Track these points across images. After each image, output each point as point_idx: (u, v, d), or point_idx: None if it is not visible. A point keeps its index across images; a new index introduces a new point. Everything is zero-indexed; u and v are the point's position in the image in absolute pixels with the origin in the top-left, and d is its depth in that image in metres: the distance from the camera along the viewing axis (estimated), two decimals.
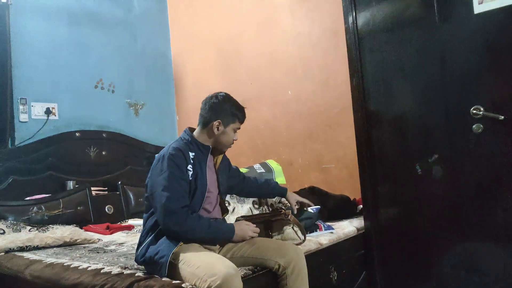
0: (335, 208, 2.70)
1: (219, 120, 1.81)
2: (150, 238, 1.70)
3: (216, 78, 4.06)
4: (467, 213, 2.09)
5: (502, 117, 1.95)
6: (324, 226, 2.34)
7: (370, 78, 2.42)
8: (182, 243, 1.65)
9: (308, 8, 3.41)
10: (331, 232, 2.31)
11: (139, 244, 1.75)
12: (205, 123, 1.83)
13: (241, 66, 3.87)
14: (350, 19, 2.47)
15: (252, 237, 1.78)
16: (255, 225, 1.82)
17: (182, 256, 1.59)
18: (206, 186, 1.77)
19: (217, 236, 1.73)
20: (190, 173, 1.73)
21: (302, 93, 3.44)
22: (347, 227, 2.45)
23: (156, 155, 1.80)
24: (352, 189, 2.96)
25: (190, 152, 1.77)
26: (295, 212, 2.16)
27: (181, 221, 1.62)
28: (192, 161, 1.75)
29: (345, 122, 3.10)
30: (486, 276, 2.04)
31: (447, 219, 2.15)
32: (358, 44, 2.45)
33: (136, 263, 1.81)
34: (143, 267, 1.77)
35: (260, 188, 2.21)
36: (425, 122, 2.23)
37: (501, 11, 1.97)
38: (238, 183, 2.13)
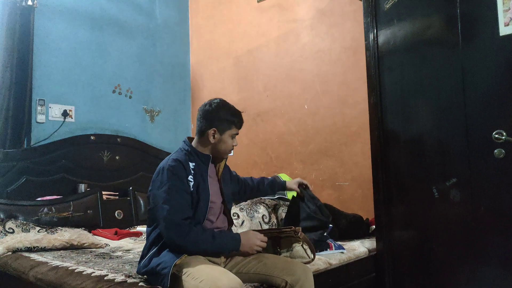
0: (347, 227, 2.63)
1: (214, 128, 1.77)
2: (153, 250, 1.67)
3: (232, 89, 4.06)
4: (485, 239, 2.00)
5: None
6: (334, 245, 2.27)
7: (388, 97, 2.38)
8: (185, 255, 1.61)
9: (329, 25, 3.40)
10: (342, 252, 2.25)
11: (142, 257, 1.72)
12: (201, 132, 1.79)
13: (258, 79, 3.86)
14: (371, 36, 2.44)
15: (260, 248, 1.74)
16: (263, 235, 1.78)
17: (186, 268, 1.55)
18: (208, 196, 1.73)
19: (222, 248, 1.68)
20: (192, 183, 1.69)
21: (319, 109, 3.41)
22: (359, 248, 2.38)
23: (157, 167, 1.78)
24: (365, 209, 2.89)
25: (190, 163, 1.74)
26: (301, 194, 2.20)
27: (184, 234, 1.58)
28: (192, 172, 1.72)
29: (361, 141, 3.05)
30: None
31: (464, 245, 2.07)
32: (377, 62, 2.42)
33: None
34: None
35: (258, 186, 2.16)
36: (444, 144, 2.17)
37: None
38: (239, 188, 2.09)
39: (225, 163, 1.95)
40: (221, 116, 1.78)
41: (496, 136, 1.95)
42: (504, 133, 1.93)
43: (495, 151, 1.95)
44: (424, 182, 2.20)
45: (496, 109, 2.00)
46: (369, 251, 2.40)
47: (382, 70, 2.41)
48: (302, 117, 3.53)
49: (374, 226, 2.53)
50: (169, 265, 1.55)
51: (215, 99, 1.83)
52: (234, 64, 4.08)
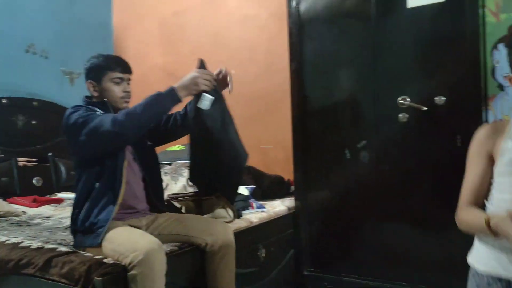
0: (269, 188, 2.76)
1: (89, 81, 1.75)
2: (88, 203, 1.64)
3: (158, 52, 3.95)
4: (388, 196, 2.22)
5: (425, 108, 2.08)
6: (256, 204, 2.39)
7: (309, 66, 2.47)
8: (116, 209, 1.60)
9: None
10: (262, 211, 2.37)
11: (74, 214, 1.68)
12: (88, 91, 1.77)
13: (184, 43, 3.78)
14: (294, 2, 2.49)
15: (207, 82, 1.66)
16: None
17: (105, 236, 1.56)
18: None
19: (159, 101, 1.57)
20: None
21: (246, 76, 3.44)
22: (279, 206, 2.52)
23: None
24: (288, 171, 3.02)
25: (95, 108, 1.71)
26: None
27: (118, 124, 1.53)
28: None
29: (285, 107, 3.13)
30: (403, 259, 2.18)
31: (370, 202, 2.28)
32: (299, 30, 2.48)
33: (61, 236, 1.76)
34: (67, 241, 1.71)
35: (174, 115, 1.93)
36: (357, 110, 2.33)
37: (431, 8, 2.08)
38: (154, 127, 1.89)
39: None
40: (92, 66, 1.75)
41: (401, 101, 2.13)
42: (408, 99, 2.12)
43: (399, 115, 2.13)
44: (338, 145, 2.36)
45: (402, 78, 2.18)
46: (289, 209, 2.55)
47: (304, 39, 2.48)
48: None
49: (293, 186, 2.68)
50: (104, 224, 1.55)
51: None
52: (159, 26, 3.95)
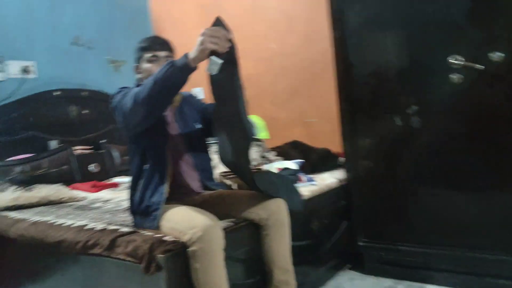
0: (317, 161, 2.74)
1: (134, 65, 1.79)
2: (141, 185, 1.70)
3: (196, 33, 3.91)
4: (444, 163, 2.13)
5: (481, 66, 1.95)
6: (305, 178, 2.38)
7: (351, 31, 2.38)
8: (167, 191, 1.64)
9: None
10: (313, 184, 2.36)
11: (132, 195, 1.75)
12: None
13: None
14: None
15: (218, 39, 1.42)
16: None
17: (162, 215, 1.60)
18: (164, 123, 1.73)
19: (168, 70, 1.43)
20: None
21: (286, 48, 3.39)
22: (329, 179, 2.50)
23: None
24: (334, 142, 2.98)
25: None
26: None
27: (133, 101, 1.51)
28: None
29: (328, 77, 3.07)
30: (457, 224, 2.11)
31: (425, 170, 2.20)
32: None
33: (121, 218, 1.84)
34: (128, 221, 1.79)
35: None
36: (405, 74, 2.22)
37: None
38: (203, 117, 1.91)
39: (193, 98, 1.93)
40: (135, 51, 1.78)
41: (453, 61, 2.01)
42: (461, 58, 1.99)
43: (451, 76, 2.02)
44: (387, 112, 2.28)
45: (454, 34, 2.04)
46: (340, 181, 2.52)
47: (345, 4, 2.39)
48: (270, 57, 3.51)
49: (343, 158, 2.64)
50: (159, 207, 1.61)
51: None
52: (196, 7, 3.96)
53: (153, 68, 1.69)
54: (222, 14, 3.94)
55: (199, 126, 1.89)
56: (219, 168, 2.46)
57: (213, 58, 1.42)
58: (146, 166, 1.70)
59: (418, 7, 2.12)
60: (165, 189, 1.65)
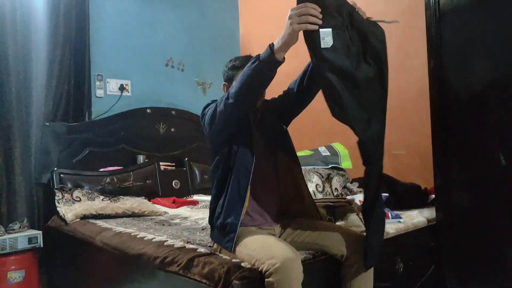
0: (404, 196, 2.55)
1: (223, 83, 1.78)
2: (221, 200, 1.65)
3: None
4: None
5: None
6: (391, 214, 2.22)
7: (449, 60, 2.22)
8: (244, 212, 1.58)
9: None
10: (399, 221, 2.19)
11: (212, 208, 1.71)
12: None
13: None
14: None
15: (308, 15, 1.29)
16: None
17: (240, 239, 1.56)
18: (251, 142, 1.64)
19: (260, 66, 1.37)
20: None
21: None
22: (417, 217, 2.31)
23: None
24: (423, 178, 2.78)
25: None
26: None
27: (222, 103, 1.53)
28: None
29: (420, 108, 2.91)
30: None
31: None
32: (438, 22, 2.25)
33: (198, 237, 1.84)
34: (205, 242, 1.78)
35: (295, 82, 1.79)
36: None
37: None
38: (284, 102, 1.81)
39: (263, 106, 1.81)
40: (225, 69, 1.77)
41: None
42: None
43: None
44: (489, 147, 2.06)
45: None
46: (428, 220, 2.32)
47: (443, 31, 2.24)
48: None
49: (433, 196, 2.43)
50: (235, 229, 1.56)
51: None
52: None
53: None
54: None
55: (282, 130, 1.82)
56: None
57: (322, 30, 1.30)
58: (228, 183, 1.64)
59: None
60: (242, 210, 1.59)
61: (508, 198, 2.02)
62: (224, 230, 1.61)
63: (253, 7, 4.36)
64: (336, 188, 2.53)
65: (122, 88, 3.58)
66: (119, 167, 3.26)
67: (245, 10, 4.46)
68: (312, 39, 1.32)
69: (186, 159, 3.71)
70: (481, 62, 2.12)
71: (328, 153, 3.05)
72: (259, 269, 1.43)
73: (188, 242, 1.83)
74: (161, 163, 3.51)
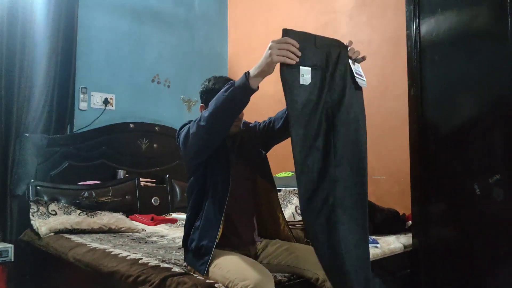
0: (382, 222, 2.57)
1: (201, 104, 1.74)
2: (197, 222, 1.64)
3: (270, 81, 4.01)
4: None
5: None
6: (369, 239, 2.22)
7: (430, 90, 2.28)
8: (220, 234, 1.57)
9: (369, 15, 3.30)
10: (376, 247, 2.20)
11: (186, 232, 1.70)
12: None
13: None
14: (413, 26, 2.34)
15: (285, 49, 1.33)
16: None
17: (214, 261, 1.55)
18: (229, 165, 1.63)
19: (234, 92, 1.38)
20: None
21: None
22: (394, 243, 2.32)
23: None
24: (402, 204, 2.81)
25: None
26: None
27: (195, 125, 1.52)
28: None
29: (400, 135, 2.95)
30: None
31: (507, 246, 1.97)
32: (419, 54, 2.32)
33: (174, 256, 1.81)
34: (180, 261, 1.76)
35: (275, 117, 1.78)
36: (489, 140, 2.06)
37: None
38: (261, 134, 1.80)
39: (241, 130, 1.80)
40: (203, 90, 1.72)
41: None
42: None
43: None
44: (465, 178, 2.10)
45: None
46: (405, 247, 2.33)
47: (424, 62, 2.31)
48: None
49: (410, 222, 2.46)
50: (209, 252, 1.54)
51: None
52: None
53: None
54: None
55: (261, 158, 1.80)
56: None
57: (302, 67, 1.35)
58: (204, 205, 1.64)
59: (507, 73, 1.98)
60: (218, 233, 1.58)
61: (482, 227, 2.06)
62: (198, 253, 1.60)
63: (242, 31, 4.43)
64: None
65: (106, 101, 3.57)
66: (98, 182, 3.21)
67: (234, 33, 4.53)
68: (291, 74, 1.35)
69: (167, 176, 3.68)
70: (460, 96, 2.19)
71: None
72: None
73: (163, 261, 1.80)
74: (141, 179, 3.47)
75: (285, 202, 2.52)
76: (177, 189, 3.66)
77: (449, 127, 2.22)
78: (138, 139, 3.66)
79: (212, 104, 1.46)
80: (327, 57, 1.44)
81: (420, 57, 2.32)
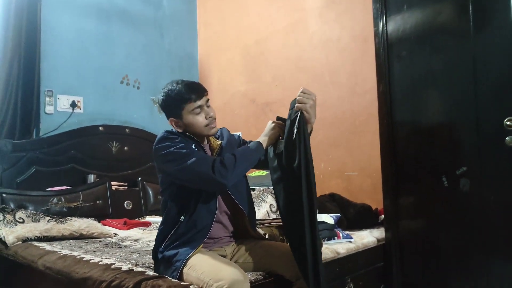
0: (355, 217, 2.62)
1: (171, 119, 1.67)
2: (172, 234, 1.62)
3: (241, 80, 4.04)
4: (494, 231, 1.97)
5: None
6: (342, 234, 2.26)
7: (397, 86, 2.34)
8: (201, 246, 1.58)
9: (338, 13, 3.34)
10: (350, 241, 2.23)
11: (158, 242, 1.67)
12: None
13: (267, 69, 3.83)
14: (380, 23, 2.39)
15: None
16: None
17: (189, 262, 1.53)
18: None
19: (251, 154, 1.65)
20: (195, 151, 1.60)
21: (328, 99, 3.37)
22: (367, 237, 2.36)
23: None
24: (374, 199, 2.87)
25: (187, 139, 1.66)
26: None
27: (218, 172, 1.50)
28: (193, 145, 1.64)
29: (371, 130, 3.02)
30: None
31: (473, 236, 2.04)
32: (387, 50, 2.37)
33: (148, 260, 1.78)
34: (153, 265, 1.73)
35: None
36: (454, 133, 2.13)
37: None
38: None
39: (231, 136, 1.83)
40: (168, 103, 1.65)
41: (508, 123, 1.90)
42: None
43: (507, 138, 1.90)
44: (434, 171, 2.16)
45: (508, 96, 1.95)
46: (378, 240, 2.38)
47: (392, 59, 2.36)
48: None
49: (383, 216, 2.51)
50: (183, 258, 1.53)
51: (164, 87, 1.68)
52: (242, 55, 4.05)
53: (200, 120, 1.64)
54: (266, 64, 4.04)
55: None
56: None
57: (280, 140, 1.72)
58: (183, 218, 1.61)
59: (473, 68, 2.05)
60: (201, 245, 1.58)
61: (451, 218, 2.12)
62: (171, 260, 1.57)
63: (212, 31, 4.41)
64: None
65: (74, 104, 3.48)
66: (68, 187, 3.13)
67: (204, 33, 4.50)
68: (277, 144, 1.74)
69: (139, 179, 3.61)
70: (427, 92, 2.24)
71: None
72: None
73: (136, 265, 1.76)
74: (112, 183, 3.40)
75: (259, 200, 2.52)
76: (150, 192, 3.60)
77: (417, 122, 2.28)
78: (108, 142, 3.59)
79: (235, 165, 1.55)
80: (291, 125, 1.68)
81: (388, 53, 2.37)
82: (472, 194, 2.03)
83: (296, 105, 1.66)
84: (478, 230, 2.02)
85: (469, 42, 2.06)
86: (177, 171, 1.54)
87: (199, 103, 1.63)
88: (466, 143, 2.08)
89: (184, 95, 1.61)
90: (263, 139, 1.70)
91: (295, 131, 1.60)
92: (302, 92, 1.67)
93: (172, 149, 1.56)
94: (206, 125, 1.66)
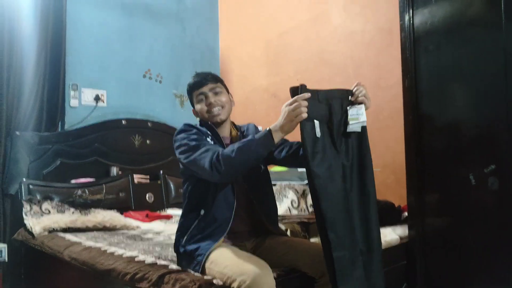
0: (378, 213, 2.57)
1: (193, 109, 1.80)
2: (193, 228, 1.64)
3: (262, 74, 4.01)
4: None
5: None
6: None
7: (424, 80, 2.28)
8: (222, 240, 1.58)
9: (362, 5, 3.28)
10: None
11: (179, 234, 1.68)
12: None
13: (289, 62, 3.80)
14: (406, 17, 2.33)
15: (303, 108, 1.41)
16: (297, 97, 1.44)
17: (210, 256, 1.53)
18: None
19: (251, 146, 1.46)
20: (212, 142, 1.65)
21: None
22: (390, 235, 2.32)
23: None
24: (397, 195, 2.81)
25: (205, 129, 1.71)
26: None
27: (215, 166, 1.49)
28: (210, 137, 1.68)
29: (395, 125, 2.96)
30: None
31: (501, 235, 1.98)
32: (413, 44, 2.31)
33: (171, 253, 1.80)
34: (175, 259, 1.74)
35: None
36: (483, 129, 2.06)
37: None
38: (272, 154, 1.78)
39: (252, 128, 1.85)
40: (188, 95, 1.80)
41: None
42: None
43: None
44: (461, 168, 2.10)
45: None
46: (401, 238, 2.33)
47: (418, 52, 2.30)
48: None
49: (406, 213, 2.46)
50: (204, 252, 1.54)
51: None
52: (263, 48, 4.03)
53: (202, 107, 1.71)
54: (288, 57, 3.99)
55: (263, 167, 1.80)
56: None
57: (315, 121, 1.47)
58: (203, 211, 1.63)
59: (504, 61, 1.98)
60: (222, 239, 1.59)
61: (477, 217, 2.06)
62: (193, 254, 1.58)
63: (233, 24, 4.40)
64: (311, 205, 2.52)
65: (97, 98, 3.52)
66: (92, 179, 3.18)
67: (225, 26, 4.49)
68: (309, 127, 1.46)
69: (161, 172, 3.65)
70: (455, 86, 2.18)
71: (304, 169, 3.06)
72: (231, 286, 1.40)
73: (159, 258, 1.78)
74: (135, 176, 3.44)
75: (280, 196, 2.51)
76: (172, 185, 3.64)
77: (443, 117, 2.22)
78: (131, 135, 3.63)
79: (231, 157, 1.46)
80: (330, 110, 1.55)
81: (414, 47, 2.31)
82: (501, 193, 1.97)
83: (360, 98, 1.67)
84: (506, 230, 1.96)
85: (500, 34, 1.99)
86: (187, 163, 1.60)
87: (201, 90, 1.72)
88: (495, 140, 2.01)
89: (190, 84, 1.76)
90: (274, 126, 1.46)
91: (354, 125, 1.62)
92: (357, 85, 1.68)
93: (185, 140, 1.62)
94: (207, 112, 1.72)
